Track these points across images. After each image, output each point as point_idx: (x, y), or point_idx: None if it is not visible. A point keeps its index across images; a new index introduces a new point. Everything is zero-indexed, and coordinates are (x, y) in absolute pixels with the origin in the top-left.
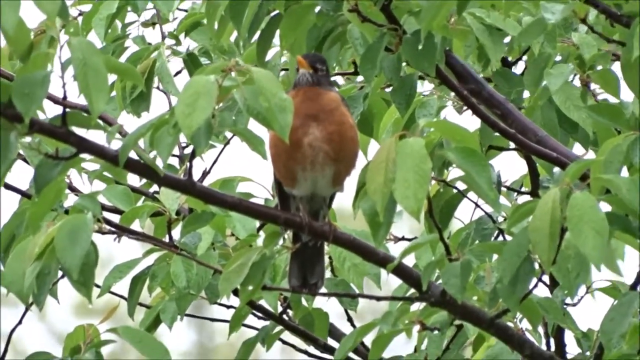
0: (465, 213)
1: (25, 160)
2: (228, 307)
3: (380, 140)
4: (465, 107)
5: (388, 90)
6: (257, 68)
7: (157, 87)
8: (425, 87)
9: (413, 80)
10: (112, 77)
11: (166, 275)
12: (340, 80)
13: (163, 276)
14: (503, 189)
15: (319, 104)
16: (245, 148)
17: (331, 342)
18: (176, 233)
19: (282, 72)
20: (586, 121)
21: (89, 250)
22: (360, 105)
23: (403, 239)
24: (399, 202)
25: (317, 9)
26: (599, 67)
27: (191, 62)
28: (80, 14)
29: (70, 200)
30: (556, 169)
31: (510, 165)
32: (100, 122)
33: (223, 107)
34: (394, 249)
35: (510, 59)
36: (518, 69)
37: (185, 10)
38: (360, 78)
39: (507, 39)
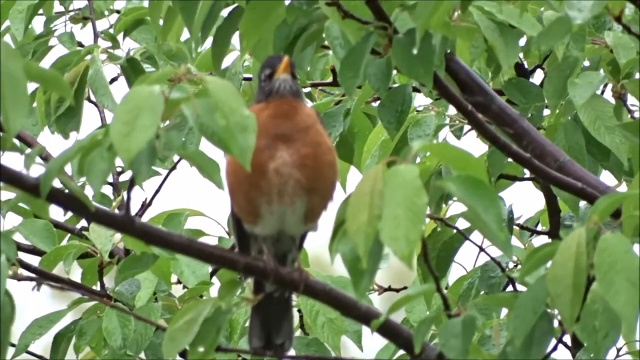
0: (467, 257)
1: None
2: None
3: (363, 167)
4: (469, 127)
5: (374, 104)
6: (212, 77)
7: (88, 99)
8: (420, 100)
9: (406, 92)
10: (32, 85)
11: (97, 332)
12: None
13: (93, 333)
14: (515, 227)
15: (292, 120)
16: (195, 174)
17: None
18: (109, 280)
19: (244, 82)
20: (620, 147)
21: (3, 303)
22: (340, 124)
23: (389, 289)
24: (386, 244)
25: (287, 1)
26: (637, 75)
27: (131, 69)
28: None
29: None
30: (582, 203)
31: (524, 199)
32: (17, 142)
33: (170, 125)
34: (379, 302)
35: (527, 65)
36: (537, 78)
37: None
38: (340, 90)
39: (523, 40)
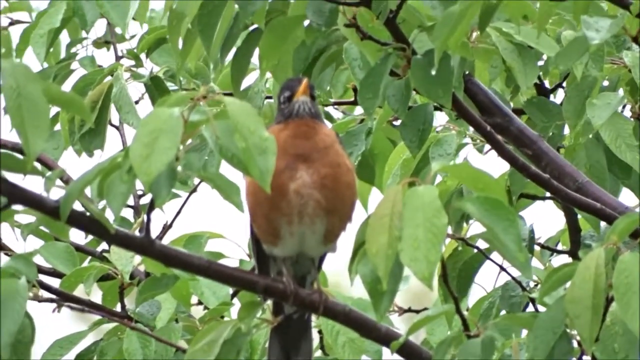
0: (487, 278)
1: None
2: None
3: (385, 187)
4: (488, 147)
5: (395, 123)
6: (231, 98)
7: (110, 122)
8: (441, 120)
9: (427, 112)
10: (54, 108)
11: (118, 353)
12: (333, 111)
13: (114, 354)
14: (536, 247)
15: (311, 140)
16: (216, 197)
17: None
18: (130, 301)
19: (267, 100)
20: None
21: (23, 324)
22: (362, 143)
23: (410, 310)
24: (406, 265)
25: (306, 22)
26: None
27: (155, 88)
28: (11, 23)
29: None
30: (603, 224)
31: (545, 218)
32: (38, 165)
33: (190, 147)
34: (399, 322)
35: (548, 84)
36: (558, 97)
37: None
38: (360, 109)
39: (543, 59)
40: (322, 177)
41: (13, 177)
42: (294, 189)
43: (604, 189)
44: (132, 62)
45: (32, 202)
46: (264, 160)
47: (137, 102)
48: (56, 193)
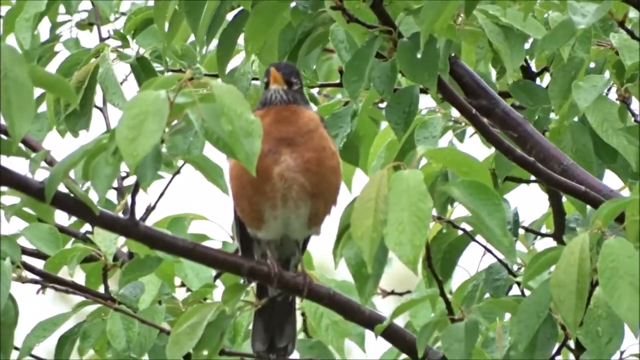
0: (471, 262)
1: None
2: None
3: (370, 170)
4: (473, 130)
5: (381, 106)
6: (218, 81)
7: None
8: (426, 102)
9: (413, 94)
10: (38, 90)
11: (101, 335)
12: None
13: (97, 336)
14: (520, 230)
15: (294, 124)
16: (199, 179)
17: None
18: (113, 283)
19: (254, 83)
20: (627, 148)
21: (7, 306)
22: (347, 125)
23: (393, 293)
24: (391, 249)
25: (292, 4)
26: None
27: (141, 68)
28: None
29: None
30: (590, 207)
31: (530, 201)
32: (22, 146)
33: (174, 129)
34: (382, 305)
35: (534, 68)
36: (545, 80)
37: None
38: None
39: (529, 43)
40: (306, 161)
41: None
42: (277, 172)
43: (591, 172)
44: (118, 43)
45: (18, 183)
46: (250, 143)
47: (121, 83)
48: (41, 175)
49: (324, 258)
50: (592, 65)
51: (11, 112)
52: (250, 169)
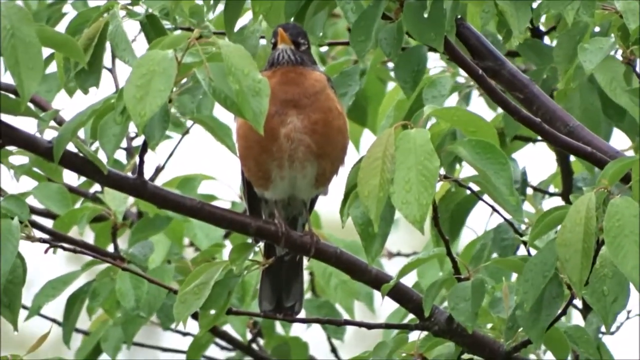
0: (479, 220)
1: None
2: (185, 334)
3: (378, 129)
4: (477, 93)
5: (389, 66)
6: (225, 41)
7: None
8: (435, 61)
9: (421, 54)
10: (47, 50)
11: (110, 294)
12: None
13: (106, 295)
14: (528, 190)
15: (301, 86)
16: (208, 139)
17: None
18: (123, 242)
19: (262, 42)
20: (635, 108)
21: (14, 264)
22: (356, 84)
23: (399, 254)
24: (397, 208)
25: None
26: None
27: (151, 26)
28: None
29: None
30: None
31: (538, 161)
32: (31, 106)
33: (182, 88)
34: (389, 266)
35: (542, 27)
36: (553, 41)
37: None
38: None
39: (536, 3)
40: (312, 122)
41: (5, 118)
42: (284, 133)
43: (598, 132)
44: (128, 1)
45: (26, 143)
46: (258, 102)
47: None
48: (49, 134)
49: (333, 216)
50: (597, 29)
51: (20, 71)
52: (257, 128)
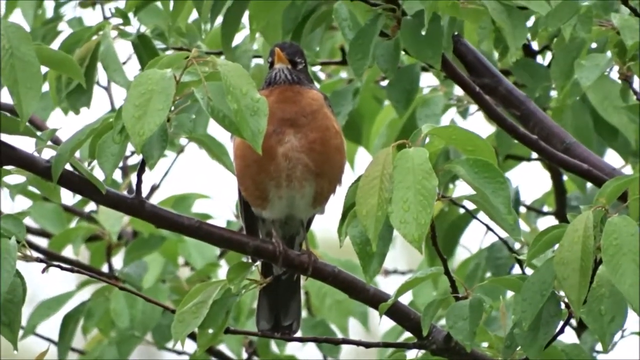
0: (472, 238)
1: None
2: (180, 352)
3: (372, 148)
4: (475, 108)
5: (382, 84)
6: (223, 60)
7: (97, 82)
8: (427, 81)
9: (414, 73)
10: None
11: (105, 314)
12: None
13: (101, 314)
14: (522, 209)
15: (298, 104)
16: (202, 157)
17: None
18: (117, 262)
19: (255, 61)
20: (628, 126)
21: (14, 284)
22: (349, 103)
23: (395, 272)
24: (396, 228)
25: None
26: None
27: (142, 46)
28: None
29: None
30: (589, 185)
31: (531, 180)
32: (28, 125)
33: (180, 107)
34: (385, 284)
35: (535, 46)
36: (545, 59)
37: None
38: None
39: (531, 21)
40: (310, 141)
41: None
42: (282, 152)
43: (591, 150)
44: (120, 21)
45: (25, 162)
46: (256, 121)
47: (124, 63)
48: (47, 153)
49: (329, 236)
50: (594, 45)
51: (18, 91)
52: (256, 147)
